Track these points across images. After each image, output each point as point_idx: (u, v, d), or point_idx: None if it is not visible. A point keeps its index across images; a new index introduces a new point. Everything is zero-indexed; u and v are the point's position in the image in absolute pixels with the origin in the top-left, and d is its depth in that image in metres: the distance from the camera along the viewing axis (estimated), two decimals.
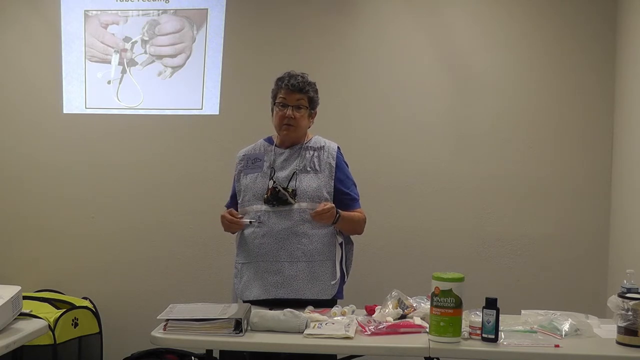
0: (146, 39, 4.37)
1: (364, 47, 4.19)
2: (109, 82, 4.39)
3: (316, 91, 3.09)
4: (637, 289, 2.53)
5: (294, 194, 2.96)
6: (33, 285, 4.25)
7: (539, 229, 4.05)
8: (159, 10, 4.36)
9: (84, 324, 4.01)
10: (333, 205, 2.93)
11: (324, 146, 3.07)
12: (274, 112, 3.07)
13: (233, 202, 3.13)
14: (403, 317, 2.64)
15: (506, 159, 4.09)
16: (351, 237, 3.11)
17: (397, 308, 2.68)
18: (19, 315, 2.63)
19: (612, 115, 3.99)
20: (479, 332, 2.42)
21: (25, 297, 2.87)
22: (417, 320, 2.59)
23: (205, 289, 4.20)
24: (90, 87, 4.40)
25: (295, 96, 3.02)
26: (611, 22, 3.97)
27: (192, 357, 3.95)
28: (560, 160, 4.05)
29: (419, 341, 2.43)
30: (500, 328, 2.43)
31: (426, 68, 4.16)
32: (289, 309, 2.57)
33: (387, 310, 2.67)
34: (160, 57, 4.36)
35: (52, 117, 4.40)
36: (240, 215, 3.01)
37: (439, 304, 2.37)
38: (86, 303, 4.14)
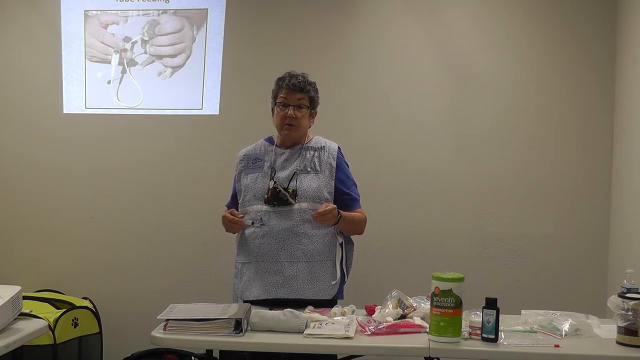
0: (146, 39, 4.37)
1: (364, 47, 4.19)
2: (109, 82, 4.39)
3: (317, 91, 3.09)
4: (637, 289, 2.53)
5: (294, 194, 2.96)
6: (33, 285, 4.25)
7: (539, 229, 4.05)
8: (159, 10, 4.36)
9: (84, 324, 4.01)
10: (335, 206, 2.93)
11: (324, 146, 3.07)
12: (275, 112, 3.07)
13: (234, 202, 3.13)
14: (403, 317, 2.64)
15: (506, 159, 4.09)
16: (351, 237, 3.11)
17: (397, 308, 2.68)
18: (19, 315, 2.63)
19: (612, 115, 3.99)
20: (479, 332, 2.42)
21: (25, 297, 2.87)
22: (417, 320, 2.59)
23: (205, 289, 4.20)
24: (90, 87, 4.40)
25: (297, 96, 3.02)
26: (611, 22, 3.97)
27: (192, 357, 3.95)
28: (560, 160, 4.06)
29: (419, 341, 2.43)
30: (500, 328, 2.43)
31: (426, 68, 4.16)
32: (289, 309, 2.57)
33: (387, 310, 2.67)
34: (160, 57, 4.36)
35: (52, 117, 4.40)
36: (242, 215, 3.01)
37: (439, 304, 2.37)
38: (86, 303, 4.14)
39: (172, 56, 4.36)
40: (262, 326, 2.52)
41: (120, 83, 4.38)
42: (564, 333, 2.51)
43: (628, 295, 2.45)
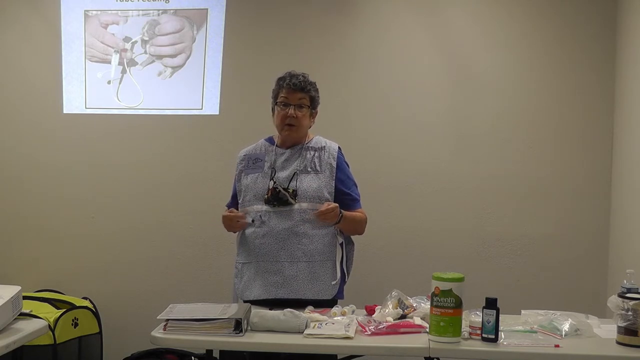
0: (146, 39, 4.37)
1: (364, 47, 4.19)
2: (109, 82, 4.39)
3: (317, 91, 3.09)
4: (637, 289, 2.53)
5: (294, 194, 2.96)
6: (33, 285, 4.25)
7: (539, 229, 4.05)
8: (159, 10, 4.36)
9: (84, 324, 4.01)
10: (336, 205, 2.93)
11: (324, 146, 3.07)
12: (275, 111, 3.07)
13: (234, 202, 3.14)
14: (403, 317, 2.64)
15: (506, 159, 4.09)
16: (351, 237, 3.11)
17: (397, 308, 2.68)
18: (19, 315, 2.63)
19: (612, 115, 3.99)
20: (479, 332, 2.42)
21: (25, 297, 2.86)
22: (417, 320, 2.59)
23: (205, 289, 4.20)
24: (90, 87, 4.40)
25: (297, 95, 3.02)
26: (611, 22, 3.97)
27: (192, 357, 3.95)
28: (560, 160, 4.06)
29: (419, 341, 2.43)
30: (500, 328, 2.43)
31: (426, 68, 4.16)
32: (289, 309, 2.57)
33: (387, 310, 2.67)
34: (160, 57, 4.36)
35: (52, 117, 4.40)
36: (242, 214, 3.01)
37: (439, 304, 2.37)
38: (86, 303, 4.14)
39: (172, 56, 4.36)
40: (262, 326, 2.52)
41: (120, 83, 4.38)
42: (564, 333, 2.51)
43: (628, 295, 2.45)
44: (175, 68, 4.35)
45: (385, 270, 4.08)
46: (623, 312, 2.41)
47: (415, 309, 2.68)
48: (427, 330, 2.47)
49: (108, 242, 4.35)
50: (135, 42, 4.37)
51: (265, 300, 2.90)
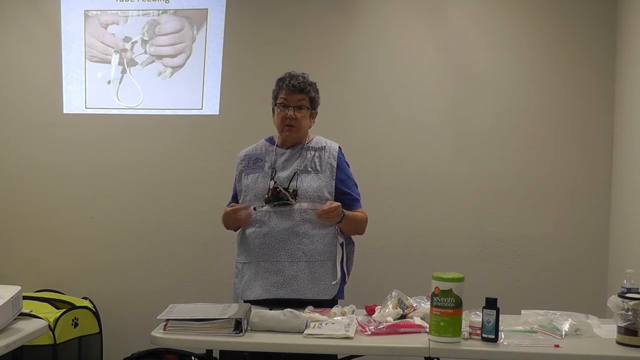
0: (146, 39, 4.37)
1: (364, 47, 4.19)
2: (109, 82, 4.39)
3: (317, 91, 3.09)
4: (637, 289, 2.53)
5: (294, 194, 2.96)
6: (33, 285, 4.25)
7: (539, 229, 4.05)
8: (159, 10, 4.36)
9: (84, 324, 4.01)
10: (339, 204, 2.93)
11: (325, 146, 3.07)
12: (275, 112, 3.07)
13: (234, 202, 3.13)
14: (403, 317, 2.64)
15: (506, 159, 4.09)
16: (351, 237, 3.11)
17: (397, 308, 2.68)
18: (19, 315, 2.63)
19: (612, 115, 3.99)
20: (479, 332, 2.42)
21: (25, 297, 2.86)
22: (417, 320, 2.59)
23: (205, 289, 4.20)
24: (90, 87, 4.40)
25: (297, 97, 3.02)
26: (611, 22, 3.97)
27: (192, 357, 3.95)
28: (560, 160, 4.06)
29: (419, 341, 2.43)
30: (500, 328, 2.43)
31: (426, 68, 4.16)
32: (289, 309, 2.57)
33: (387, 310, 2.67)
34: (160, 57, 4.36)
35: (52, 117, 4.40)
36: (245, 204, 2.99)
37: (439, 304, 2.37)
38: (86, 303, 4.14)
39: (172, 56, 4.36)
40: (262, 326, 2.52)
41: (120, 83, 4.38)
42: (564, 333, 2.50)
43: (628, 295, 2.45)
44: (175, 68, 4.35)
45: (385, 270, 4.08)
46: (623, 312, 2.41)
47: (415, 309, 2.68)
48: (427, 330, 2.47)
49: (108, 242, 4.35)
50: (135, 42, 4.37)
51: (265, 300, 2.90)
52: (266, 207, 2.97)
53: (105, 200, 4.36)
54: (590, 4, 4.02)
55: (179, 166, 4.33)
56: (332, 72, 4.15)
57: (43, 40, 4.42)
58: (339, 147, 3.11)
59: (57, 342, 3.76)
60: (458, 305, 2.37)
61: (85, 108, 4.41)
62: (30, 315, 2.75)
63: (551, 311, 2.72)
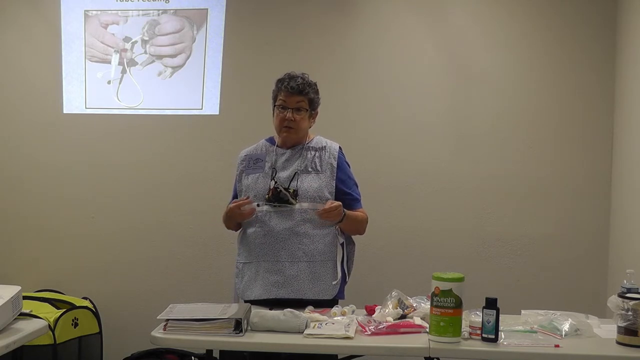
0: (146, 39, 4.37)
1: (364, 47, 4.19)
2: (109, 82, 4.39)
3: (316, 92, 3.08)
4: (637, 289, 2.53)
5: (295, 194, 2.96)
6: (33, 285, 4.25)
7: (539, 229, 4.05)
8: (159, 10, 4.36)
9: (84, 324, 4.00)
10: (340, 203, 2.93)
11: (325, 146, 3.07)
12: (274, 113, 3.07)
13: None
14: (403, 317, 2.64)
15: (506, 159, 4.09)
16: (352, 237, 3.11)
17: (397, 308, 2.68)
18: (19, 315, 2.63)
19: (612, 115, 3.99)
20: (479, 332, 2.42)
21: (25, 297, 2.86)
22: (417, 320, 2.59)
23: (205, 289, 4.20)
24: (90, 87, 4.40)
25: (295, 99, 3.01)
26: (611, 22, 3.97)
27: (192, 357, 3.95)
28: (560, 160, 4.06)
29: (419, 341, 2.43)
30: (500, 328, 2.43)
31: (426, 68, 4.16)
32: (289, 309, 2.57)
33: (387, 310, 2.67)
34: (160, 57, 4.36)
35: (52, 117, 4.40)
36: (248, 199, 2.98)
37: (439, 304, 2.37)
38: (86, 303, 4.14)
39: (172, 56, 4.36)
40: (262, 326, 2.52)
41: (120, 83, 4.38)
42: (564, 333, 2.50)
43: (628, 295, 2.45)
44: (175, 68, 4.35)
45: (385, 270, 4.08)
46: (623, 312, 2.41)
47: (415, 309, 2.68)
48: (427, 330, 2.47)
49: (108, 242, 4.35)
50: (135, 42, 4.37)
51: (266, 300, 2.90)
52: (267, 207, 2.97)
53: (105, 200, 4.36)
54: (590, 4, 4.02)
55: (179, 166, 4.33)
56: (332, 72, 4.15)
57: (43, 40, 4.42)
58: (340, 147, 3.11)
59: (57, 342, 3.76)
60: (458, 305, 2.37)
61: (85, 108, 4.41)
62: (30, 315, 2.75)
63: (551, 311, 2.72)
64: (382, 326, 2.52)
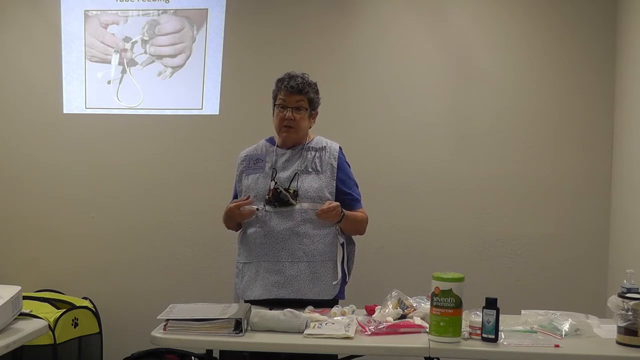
0: (146, 39, 4.37)
1: (364, 47, 4.19)
2: (109, 82, 4.39)
3: (316, 92, 3.08)
4: (637, 289, 2.53)
5: (295, 194, 2.96)
6: (33, 285, 4.25)
7: (539, 229, 4.05)
8: (159, 10, 4.36)
9: (84, 324, 4.01)
10: (338, 203, 2.93)
11: (325, 146, 3.07)
12: (274, 113, 3.07)
13: None
14: (403, 317, 2.64)
15: (506, 159, 4.09)
16: (352, 237, 3.11)
17: (397, 308, 2.68)
18: (19, 315, 2.63)
19: (612, 115, 3.99)
20: (479, 332, 2.42)
21: (25, 297, 2.86)
22: (417, 320, 2.59)
23: (205, 289, 4.20)
24: (90, 87, 4.40)
25: (295, 98, 3.01)
26: (611, 22, 3.97)
27: (192, 357, 3.95)
28: (560, 160, 4.06)
29: (419, 341, 2.43)
30: (500, 328, 2.43)
31: (426, 68, 4.16)
32: (289, 309, 2.57)
33: (387, 310, 2.67)
34: (160, 57, 4.36)
35: (52, 117, 4.40)
36: (248, 198, 2.98)
37: (439, 304, 2.37)
38: (86, 303, 4.14)
39: (172, 56, 4.36)
40: (262, 326, 2.52)
41: (120, 83, 4.38)
42: (564, 333, 2.51)
43: (628, 295, 2.45)
44: (175, 68, 4.35)
45: (385, 270, 4.08)
46: (623, 312, 2.41)
47: (415, 309, 2.68)
48: (427, 330, 2.47)
49: (108, 242, 4.35)
50: (135, 42, 4.37)
51: (266, 300, 2.90)
52: (267, 208, 2.97)
53: (105, 200, 4.36)
54: (590, 4, 4.02)
55: (179, 166, 4.33)
56: (332, 72, 4.15)
57: (43, 40, 4.42)
58: (340, 147, 3.11)
59: (57, 342, 3.76)
60: (458, 305, 2.37)
61: (85, 108, 4.41)
62: (30, 315, 2.75)
63: (551, 311, 2.72)
64: (382, 326, 2.52)
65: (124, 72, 4.38)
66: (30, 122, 4.43)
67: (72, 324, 3.92)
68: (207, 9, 4.33)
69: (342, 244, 3.01)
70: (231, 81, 4.29)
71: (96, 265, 4.35)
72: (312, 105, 3.07)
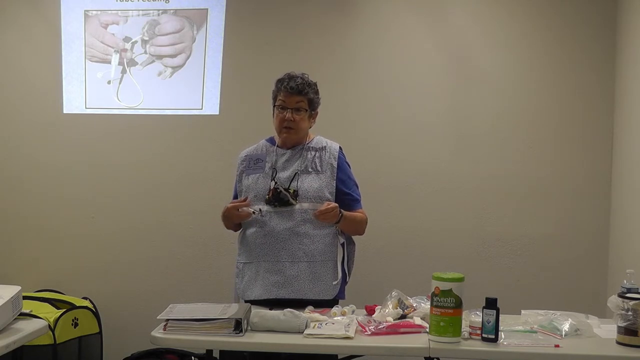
0: (146, 39, 4.37)
1: (364, 47, 4.19)
2: (109, 82, 4.39)
3: (316, 92, 3.08)
4: (637, 289, 2.53)
5: (295, 194, 2.95)
6: (33, 285, 4.25)
7: (539, 229, 4.05)
8: (159, 10, 4.36)
9: (84, 324, 4.01)
10: (336, 204, 2.93)
11: (325, 146, 3.07)
12: (274, 114, 3.07)
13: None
14: (403, 317, 2.64)
15: (506, 159, 4.09)
16: (352, 237, 3.11)
17: (397, 308, 2.68)
18: (19, 315, 2.63)
19: (612, 115, 3.99)
20: (479, 332, 2.42)
21: (25, 297, 2.87)
22: (417, 320, 2.59)
23: (205, 289, 4.20)
24: (90, 87, 4.40)
25: (295, 99, 3.01)
26: (611, 22, 3.97)
27: (192, 357, 3.95)
28: (560, 160, 4.06)
29: (419, 341, 2.43)
30: (500, 328, 2.43)
31: (426, 68, 4.16)
32: (289, 309, 2.57)
33: (387, 310, 2.67)
34: (160, 57, 4.36)
35: (52, 117, 4.40)
36: (245, 200, 2.99)
37: (439, 304, 2.38)
38: (86, 303, 4.14)
39: (172, 56, 4.36)
40: (262, 326, 2.52)
41: (120, 83, 4.38)
42: (564, 333, 2.51)
43: (628, 295, 2.45)
44: (175, 68, 4.35)
45: (385, 270, 4.08)
46: (623, 312, 2.41)
47: (415, 309, 2.68)
48: (427, 330, 2.47)
49: (108, 242, 4.35)
50: (135, 42, 4.37)
51: (266, 300, 2.91)
52: (267, 208, 2.97)
53: (105, 200, 4.36)
54: (590, 4, 4.02)
55: (179, 166, 4.33)
56: (332, 72, 4.15)
57: (43, 40, 4.42)
58: (340, 147, 3.11)
59: (57, 342, 3.76)
60: (458, 305, 2.37)
61: (85, 108, 4.41)
62: (30, 315, 2.75)
63: (551, 311, 2.72)
64: (382, 326, 2.52)
65: (124, 72, 4.38)
66: (30, 122, 4.43)
67: (72, 324, 3.92)
68: (207, 9, 4.33)
69: (342, 244, 3.01)
70: (231, 81, 4.29)
71: (96, 265, 4.35)
72: (312, 106, 3.07)
